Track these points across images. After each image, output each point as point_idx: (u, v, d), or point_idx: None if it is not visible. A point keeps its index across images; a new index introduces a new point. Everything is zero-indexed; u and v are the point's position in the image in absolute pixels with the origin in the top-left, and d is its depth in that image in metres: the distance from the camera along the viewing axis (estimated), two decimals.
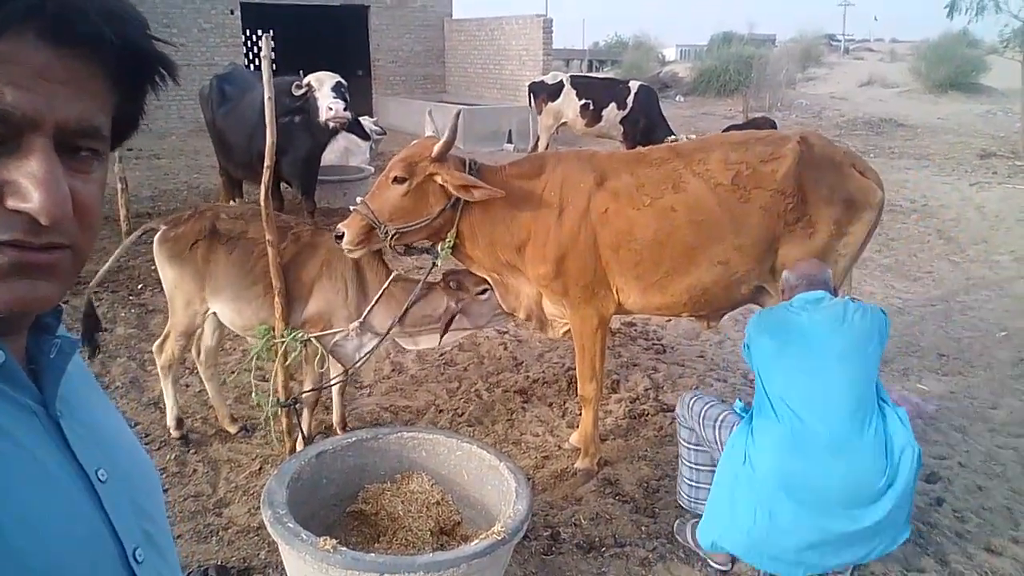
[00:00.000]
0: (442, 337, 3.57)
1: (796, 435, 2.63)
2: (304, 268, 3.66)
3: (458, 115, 3.41)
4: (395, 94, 18.38)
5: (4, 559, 0.64)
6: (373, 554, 2.34)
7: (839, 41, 46.36)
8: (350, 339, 3.66)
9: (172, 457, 3.83)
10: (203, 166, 11.47)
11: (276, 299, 3.48)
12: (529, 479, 3.63)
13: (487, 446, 3.02)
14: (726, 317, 5.66)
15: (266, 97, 3.35)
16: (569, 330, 3.65)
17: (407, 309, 3.53)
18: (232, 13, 17.05)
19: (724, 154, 3.40)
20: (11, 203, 0.66)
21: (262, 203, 3.39)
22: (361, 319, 3.57)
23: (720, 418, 2.95)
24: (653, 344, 5.35)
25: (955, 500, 3.54)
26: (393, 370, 4.91)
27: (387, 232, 3.30)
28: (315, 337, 3.61)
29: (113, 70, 0.73)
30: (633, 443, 4.01)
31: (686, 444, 3.20)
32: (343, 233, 3.30)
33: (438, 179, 3.27)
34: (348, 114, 6.69)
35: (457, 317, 3.59)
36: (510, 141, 14.27)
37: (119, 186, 7.47)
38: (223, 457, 3.87)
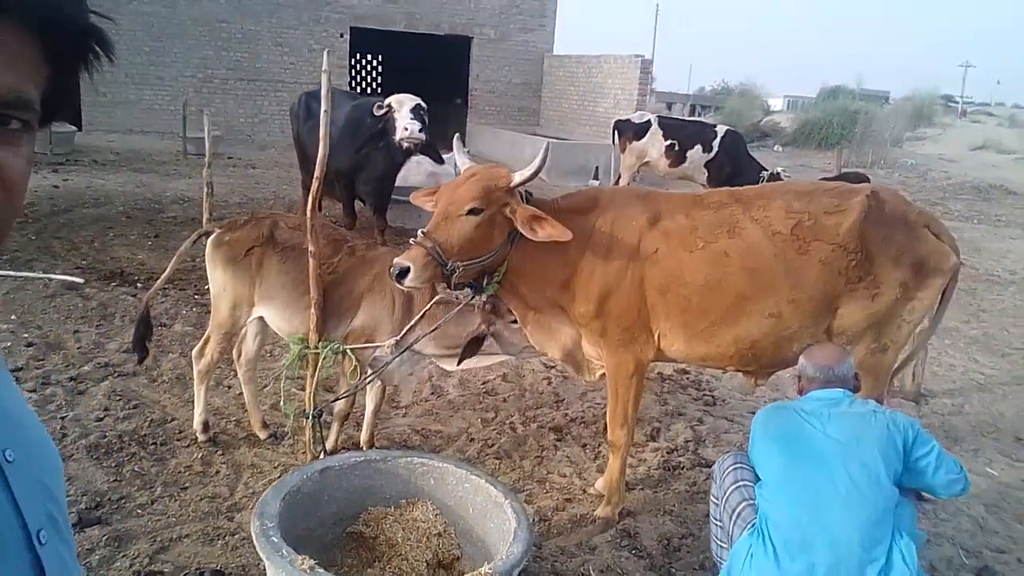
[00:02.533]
0: (463, 356, 3.50)
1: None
2: (356, 281, 3.68)
3: (548, 147, 3.24)
4: (489, 124, 18.65)
5: None
6: None
7: (957, 103, 44.57)
8: (387, 354, 3.64)
9: (199, 456, 3.88)
10: (294, 179, 11.82)
11: (312, 309, 3.50)
12: (545, 521, 3.52)
13: (496, 482, 2.92)
14: (788, 376, 5.46)
15: (322, 111, 3.42)
16: (604, 374, 3.52)
17: (439, 324, 3.49)
18: (342, 36, 17.74)
19: (786, 202, 3.23)
20: None
21: (307, 214, 3.43)
22: (400, 336, 3.55)
23: (738, 510, 2.70)
24: (704, 395, 5.12)
25: None
26: (432, 393, 4.86)
27: (453, 268, 3.03)
28: (352, 350, 3.61)
29: (45, 42, 0.71)
30: (662, 496, 3.82)
31: (715, 501, 3.00)
32: (407, 268, 2.96)
33: (507, 211, 3.09)
34: (423, 135, 6.78)
35: (488, 341, 3.52)
36: (596, 177, 14.19)
37: (205, 190, 7.77)
38: (247, 462, 3.89)
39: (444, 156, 9.21)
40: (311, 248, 3.38)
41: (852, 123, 22.24)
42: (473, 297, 3.44)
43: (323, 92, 3.32)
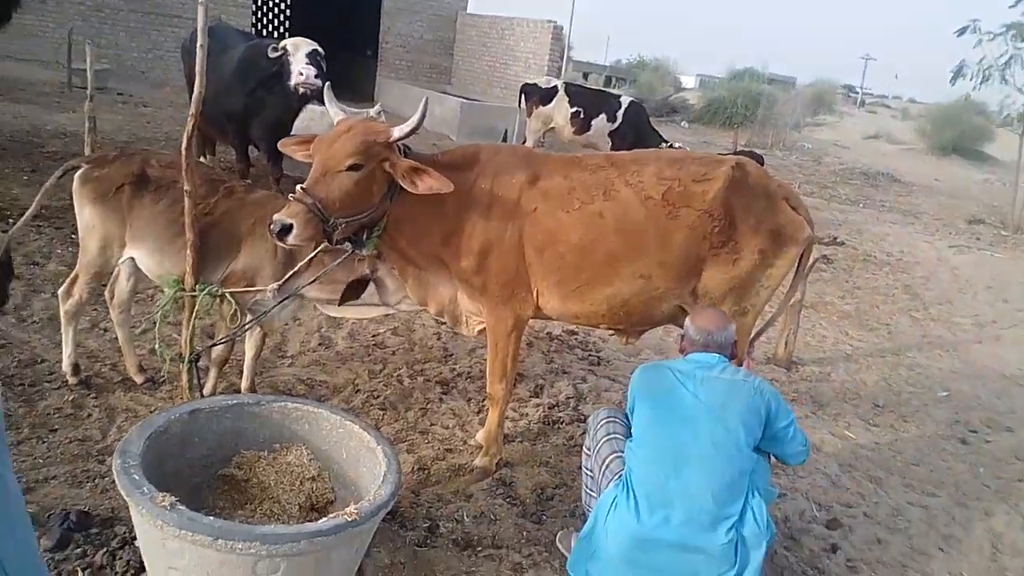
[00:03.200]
0: (344, 297, 3.46)
1: (646, 528, 2.52)
2: (234, 224, 3.57)
3: (426, 101, 3.16)
4: (400, 79, 18.28)
5: None
6: (211, 518, 2.24)
7: (856, 93, 46.59)
8: (269, 300, 3.56)
9: (70, 399, 3.72)
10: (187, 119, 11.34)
11: (188, 251, 3.39)
12: (424, 470, 3.57)
13: (370, 427, 2.93)
14: (671, 340, 5.67)
15: (198, 44, 3.26)
16: (484, 329, 3.56)
17: (324, 271, 3.44)
18: None
19: (658, 168, 3.34)
20: None
21: (183, 152, 3.29)
22: (282, 281, 3.48)
23: (607, 462, 2.81)
24: (589, 355, 5.27)
25: (851, 549, 3.47)
26: (320, 344, 4.81)
27: (335, 225, 2.96)
28: (231, 294, 3.51)
29: None
30: (540, 448, 3.93)
31: (586, 452, 3.10)
32: (289, 225, 2.86)
33: (386, 165, 3.02)
34: (318, 81, 6.55)
35: (371, 289, 3.50)
36: (504, 140, 14.18)
37: (87, 125, 7.36)
38: (122, 405, 3.76)
39: (349, 110, 9.00)
40: (187, 187, 3.26)
41: (756, 105, 22.91)
42: (353, 252, 3.35)
43: (199, 25, 3.18)
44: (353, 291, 3.47)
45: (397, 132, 3.04)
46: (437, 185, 2.98)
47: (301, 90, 6.57)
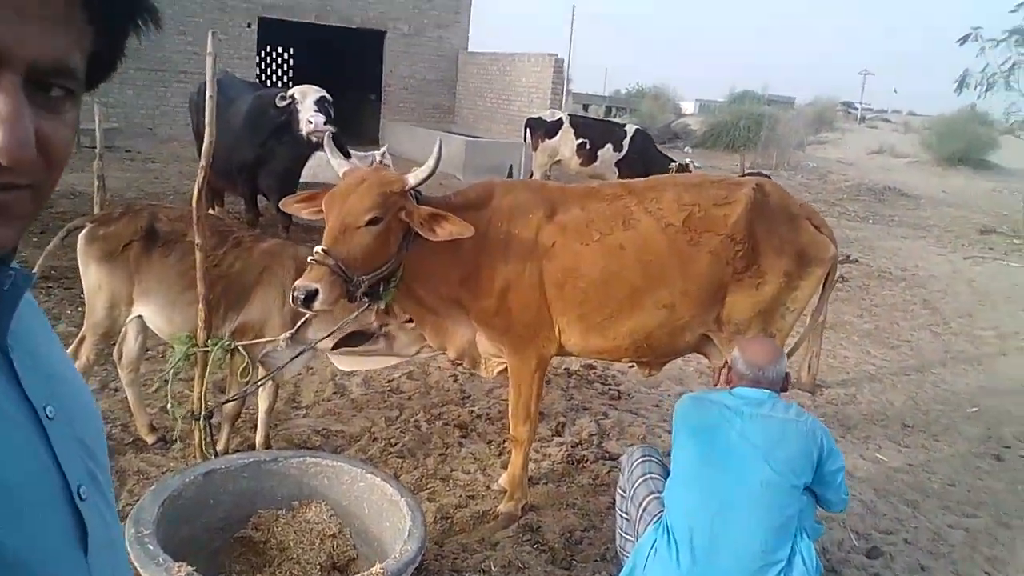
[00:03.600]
0: (340, 343, 3.39)
1: None
2: (243, 275, 3.52)
3: (440, 145, 3.08)
4: (404, 120, 18.42)
5: None
6: None
7: (856, 109, 46.67)
8: (281, 350, 3.50)
9: None
10: (195, 173, 11.41)
11: (200, 305, 3.33)
12: (447, 518, 3.47)
13: (392, 479, 2.84)
14: (691, 369, 5.57)
15: (208, 95, 3.25)
16: (504, 370, 3.48)
17: (340, 325, 3.37)
18: (249, 26, 17.18)
19: (677, 194, 3.27)
20: None
21: (193, 205, 3.26)
22: (294, 330, 3.42)
23: (645, 503, 2.70)
24: (609, 389, 5.16)
25: None
26: (335, 392, 4.73)
27: (358, 283, 2.84)
28: (243, 347, 3.46)
29: (91, 8, 0.69)
30: (565, 490, 3.81)
31: (621, 493, 2.98)
32: (314, 291, 2.74)
33: (402, 214, 2.91)
34: (328, 127, 6.57)
35: (382, 344, 3.44)
36: (510, 175, 14.20)
37: (96, 184, 7.38)
38: (133, 468, 3.68)
39: (356, 154, 9.01)
40: (198, 240, 3.22)
41: (758, 126, 22.92)
42: (369, 305, 3.23)
43: (208, 76, 3.17)
44: (353, 340, 3.40)
45: (412, 179, 2.97)
46: (457, 230, 2.89)
47: (313, 139, 6.56)
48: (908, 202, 16.57)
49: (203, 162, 3.29)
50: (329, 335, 3.35)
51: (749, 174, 10.78)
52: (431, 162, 3.01)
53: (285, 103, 6.64)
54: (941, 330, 7.39)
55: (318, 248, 2.83)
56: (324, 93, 6.70)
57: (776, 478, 2.47)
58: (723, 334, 3.32)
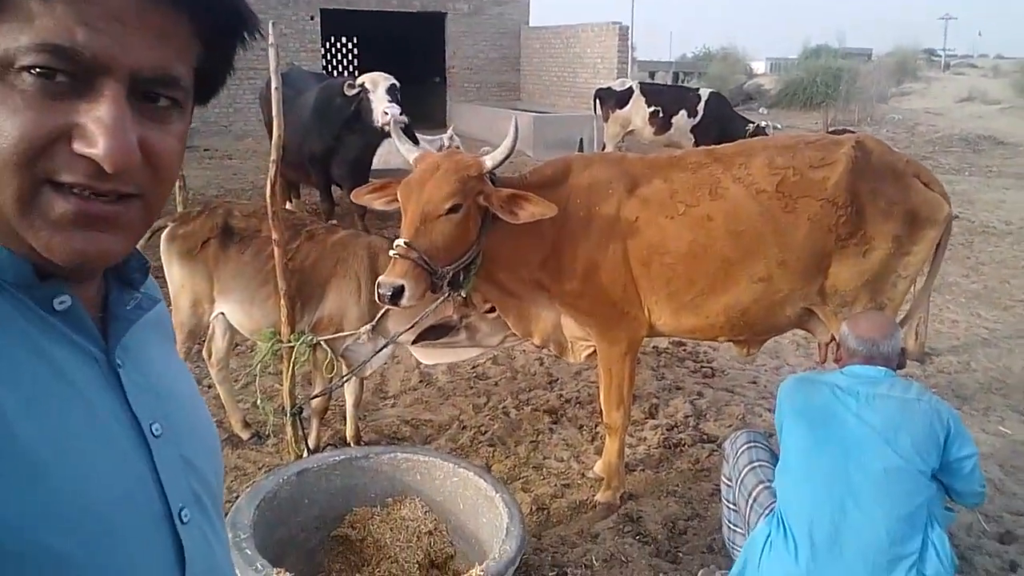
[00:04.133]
0: (421, 336, 3.29)
1: (812, 575, 2.22)
2: (317, 268, 3.48)
3: (516, 123, 2.94)
4: (469, 101, 18.33)
5: (44, 497, 0.63)
6: None
7: (939, 56, 44.24)
8: (362, 343, 3.45)
9: None
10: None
11: (282, 301, 3.30)
12: (543, 509, 3.36)
13: (485, 473, 2.74)
14: (787, 342, 5.29)
15: (273, 87, 3.18)
16: (592, 353, 3.33)
17: (421, 316, 3.28)
18: (312, 19, 17.32)
19: (768, 158, 3.03)
20: (77, 147, 0.64)
21: (267, 199, 3.21)
22: (374, 322, 3.35)
23: (755, 494, 2.51)
24: (702, 367, 4.95)
25: None
26: (421, 381, 4.68)
27: (443, 274, 2.75)
28: (325, 341, 3.41)
29: (195, 20, 0.71)
30: (664, 476, 3.65)
31: (727, 483, 2.80)
32: (401, 287, 2.64)
33: (480, 199, 2.77)
34: (404, 117, 6.47)
35: (463, 335, 3.33)
36: (581, 149, 13.95)
37: (177, 183, 7.52)
38: (230, 464, 3.69)
39: (424, 137, 8.93)
40: (275, 236, 3.17)
41: (836, 81, 21.94)
42: (450, 295, 3.11)
43: (271, 67, 3.08)
44: (433, 333, 3.30)
45: (490, 162, 2.83)
46: (540, 211, 2.75)
47: (387, 128, 6.49)
48: (1006, 150, 15.56)
49: (273, 155, 3.23)
50: (410, 328, 3.26)
51: (833, 132, 10.27)
52: (508, 142, 2.87)
53: (355, 92, 6.56)
54: None
55: (399, 241, 2.72)
56: (393, 80, 6.61)
57: (901, 463, 2.25)
58: (828, 307, 3.08)
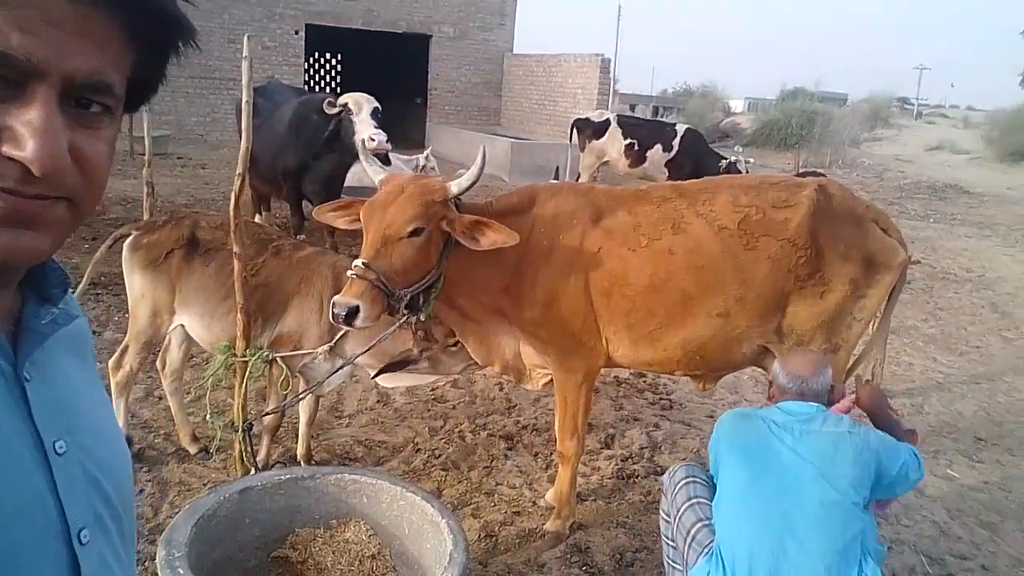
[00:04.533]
0: (383, 369, 3.28)
1: None
2: (281, 284, 3.45)
3: (484, 150, 2.96)
4: (449, 123, 18.41)
5: None
6: None
7: (912, 105, 45.29)
8: (320, 362, 3.42)
9: None
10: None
11: (239, 314, 3.26)
12: (492, 536, 3.33)
13: (433, 498, 2.71)
14: (746, 378, 5.33)
15: (244, 100, 3.15)
16: (550, 381, 3.33)
17: (379, 339, 3.26)
18: (296, 33, 17.37)
19: (733, 196, 3.08)
20: (6, 149, 0.64)
21: (231, 212, 3.18)
22: (332, 342, 3.33)
23: (693, 532, 2.51)
24: (660, 399, 4.97)
25: None
26: (378, 401, 4.64)
27: (400, 297, 2.73)
28: (282, 358, 3.38)
29: (131, 29, 0.71)
30: (615, 507, 3.64)
31: (665, 519, 2.80)
32: (355, 308, 2.62)
33: (443, 224, 2.78)
34: (389, 145, 6.40)
35: (425, 364, 3.32)
36: (556, 177, 14.03)
37: (145, 190, 7.44)
38: (175, 479, 3.63)
39: (400, 157, 8.91)
40: (236, 249, 3.14)
41: (811, 124, 22.36)
42: (409, 317, 3.08)
43: (244, 80, 3.08)
44: (392, 367, 3.29)
45: (455, 187, 2.83)
46: (502, 239, 2.75)
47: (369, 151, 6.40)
48: (971, 200, 15.95)
49: (240, 168, 3.20)
50: (368, 350, 3.24)
51: (803, 173, 10.45)
52: (475, 169, 2.88)
53: (335, 111, 6.51)
54: (1013, 335, 7.00)
55: (358, 261, 2.70)
56: (376, 104, 6.52)
57: (837, 496, 2.29)
58: (784, 346, 3.12)
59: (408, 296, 2.79)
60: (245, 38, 3.08)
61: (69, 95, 0.67)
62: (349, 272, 2.71)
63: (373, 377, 3.37)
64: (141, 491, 3.50)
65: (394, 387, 3.74)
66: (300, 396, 3.45)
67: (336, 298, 2.69)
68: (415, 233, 2.71)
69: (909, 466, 2.44)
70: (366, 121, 6.41)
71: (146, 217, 7.37)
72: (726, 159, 10.02)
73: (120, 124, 0.76)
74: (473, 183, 2.86)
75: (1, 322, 0.74)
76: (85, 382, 0.86)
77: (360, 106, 6.52)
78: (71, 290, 0.83)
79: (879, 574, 2.30)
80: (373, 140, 6.19)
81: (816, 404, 2.48)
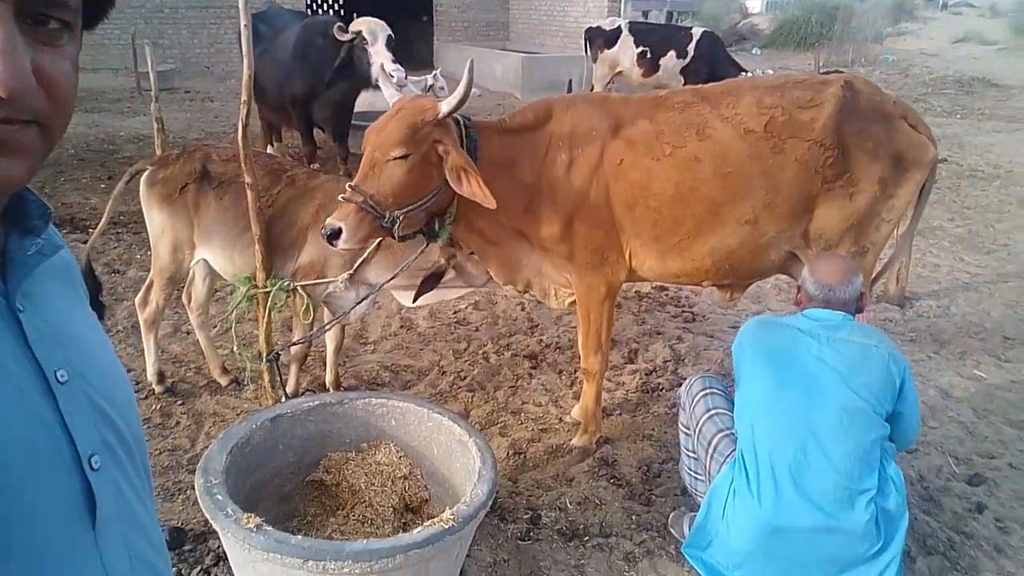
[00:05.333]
0: (420, 291, 3.29)
1: (777, 516, 2.27)
2: (298, 214, 3.43)
3: (471, 64, 2.82)
4: (457, 41, 17.94)
5: None
6: (299, 538, 2.10)
7: None
8: (341, 290, 3.42)
9: (158, 408, 3.69)
10: (254, 110, 11.37)
11: (256, 245, 3.26)
12: (520, 454, 3.39)
13: (459, 418, 2.74)
14: (769, 287, 5.29)
15: (242, 25, 3.07)
16: (574, 300, 3.32)
17: (404, 266, 3.25)
18: None
19: (757, 97, 2.97)
20: None
21: (239, 142, 3.14)
22: (353, 270, 3.33)
23: (714, 442, 2.54)
24: (683, 311, 4.96)
25: (999, 508, 3.10)
26: (402, 326, 4.67)
27: (392, 219, 2.74)
28: (303, 287, 3.39)
29: None
30: (640, 420, 3.68)
31: (685, 431, 2.82)
32: (338, 229, 2.70)
33: (440, 148, 2.75)
34: (406, 79, 6.20)
35: (451, 275, 3.31)
36: (570, 91, 13.72)
37: (155, 126, 7.37)
38: (209, 410, 3.71)
39: (409, 79, 8.71)
40: (248, 180, 3.11)
41: (831, 21, 21.54)
42: (427, 244, 3.12)
43: (240, 4, 2.98)
44: (428, 285, 3.29)
45: (445, 107, 2.75)
46: (479, 196, 2.69)
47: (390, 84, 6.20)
48: (999, 92, 15.40)
49: (243, 96, 3.15)
50: (392, 278, 3.24)
51: (824, 72, 10.10)
52: (461, 87, 2.75)
53: (348, 38, 6.29)
54: None
55: (348, 184, 2.75)
56: (389, 31, 6.30)
57: (860, 403, 2.31)
58: (812, 251, 3.06)
59: (401, 217, 2.76)
60: None
61: (24, 12, 0.65)
62: (340, 196, 2.75)
63: (413, 301, 3.36)
64: (177, 423, 3.58)
65: (417, 305, 3.75)
66: (326, 327, 3.48)
67: (328, 219, 2.73)
68: (401, 157, 2.69)
69: (914, 414, 2.45)
70: (382, 52, 6.21)
71: (158, 153, 7.33)
72: (746, 71, 9.68)
73: (81, 42, 0.74)
74: (461, 100, 2.75)
75: None
76: (77, 312, 0.86)
77: (375, 35, 6.28)
78: (53, 220, 0.82)
79: (902, 477, 2.33)
80: (392, 76, 6.00)
81: (843, 312, 2.46)
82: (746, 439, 2.40)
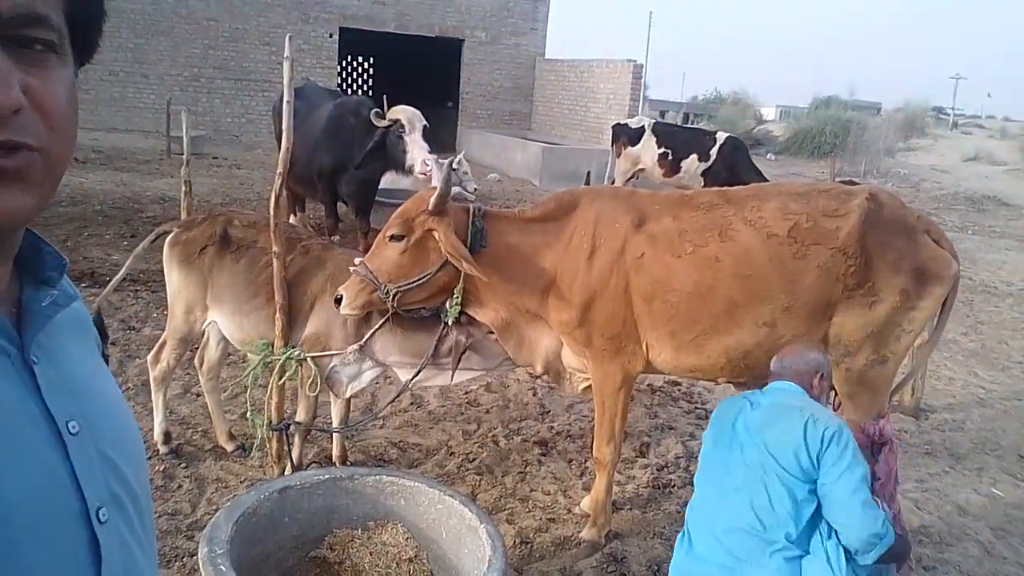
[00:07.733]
0: (453, 373, 3.30)
1: (691, 563, 2.41)
2: (308, 283, 3.45)
3: (450, 164, 3.24)
4: (480, 127, 18.44)
5: None
6: None
7: (948, 115, 44.59)
8: (347, 364, 3.41)
9: (161, 469, 3.64)
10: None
11: (278, 314, 3.27)
12: (527, 543, 3.31)
13: (470, 502, 2.69)
14: None
15: (285, 100, 3.17)
16: (589, 387, 3.30)
17: (425, 359, 3.26)
18: (331, 36, 17.52)
19: (782, 203, 3.02)
20: None
21: (271, 211, 3.20)
22: (361, 343, 3.32)
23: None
24: (695, 408, 4.91)
25: None
26: (412, 403, 4.63)
27: (387, 292, 3.05)
28: (312, 358, 3.38)
29: None
30: (652, 517, 3.60)
31: None
32: (339, 297, 3.10)
33: (436, 235, 3.00)
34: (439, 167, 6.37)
35: (466, 355, 3.30)
36: (587, 183, 13.99)
37: (183, 189, 7.53)
38: (212, 475, 3.65)
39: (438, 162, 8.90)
40: (275, 248, 3.15)
41: (845, 132, 22.13)
42: (444, 333, 3.29)
43: (285, 80, 3.09)
44: (455, 363, 3.31)
45: (432, 200, 3.00)
46: (475, 273, 2.94)
47: (422, 178, 6.36)
48: (1009, 212, 15.65)
49: (280, 168, 3.22)
50: (416, 373, 3.31)
51: (841, 182, 10.27)
52: (438, 184, 3.03)
53: (385, 124, 6.47)
54: None
55: (357, 258, 3.16)
56: (425, 121, 6.51)
57: (767, 459, 2.32)
58: (831, 356, 3.05)
59: (395, 291, 3.05)
60: (287, 38, 3.09)
61: (7, 37, 0.64)
62: (351, 267, 3.17)
63: (452, 380, 3.43)
64: (179, 487, 3.52)
65: (426, 386, 3.73)
66: (391, 400, 3.59)
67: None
68: (393, 238, 3.06)
69: (866, 505, 2.21)
70: (418, 143, 6.39)
71: (183, 216, 7.46)
72: (766, 180, 9.85)
73: (73, 67, 0.73)
74: (440, 198, 2.99)
75: (3, 305, 0.73)
76: (91, 364, 0.85)
77: (413, 125, 6.45)
78: (68, 272, 0.82)
79: (838, 550, 2.23)
80: (427, 165, 6.15)
81: (794, 383, 2.52)
82: (692, 498, 2.55)
